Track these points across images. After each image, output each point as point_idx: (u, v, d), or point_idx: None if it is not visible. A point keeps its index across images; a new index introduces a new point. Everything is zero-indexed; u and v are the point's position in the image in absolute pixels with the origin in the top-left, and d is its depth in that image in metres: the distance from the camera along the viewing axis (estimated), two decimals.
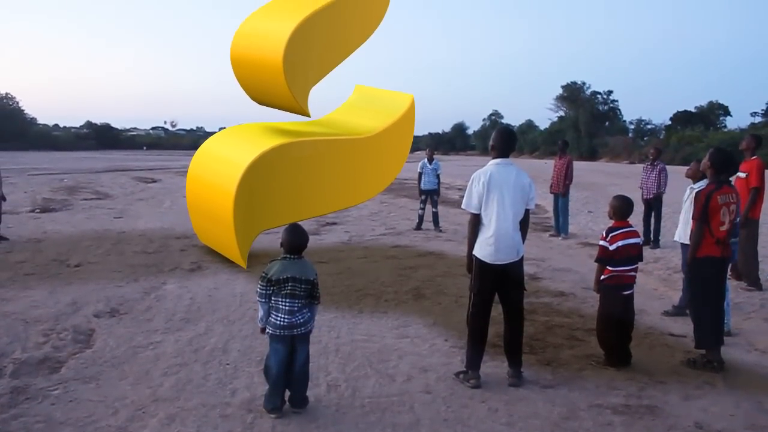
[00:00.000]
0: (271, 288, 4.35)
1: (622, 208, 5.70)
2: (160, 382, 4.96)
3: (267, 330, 4.42)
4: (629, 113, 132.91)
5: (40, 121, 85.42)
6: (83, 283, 8.15)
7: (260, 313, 4.45)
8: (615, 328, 5.52)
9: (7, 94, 72.08)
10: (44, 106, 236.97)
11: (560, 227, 13.39)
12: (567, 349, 5.93)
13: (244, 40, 10.31)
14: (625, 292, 5.58)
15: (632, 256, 5.55)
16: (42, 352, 5.60)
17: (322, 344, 5.89)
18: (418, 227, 13.74)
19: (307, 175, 9.91)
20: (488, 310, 5.14)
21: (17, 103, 72.89)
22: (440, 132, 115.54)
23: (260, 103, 10.93)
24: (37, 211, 15.84)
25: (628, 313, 5.62)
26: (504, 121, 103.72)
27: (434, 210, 13.89)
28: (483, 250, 5.05)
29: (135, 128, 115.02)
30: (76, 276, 8.61)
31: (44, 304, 7.15)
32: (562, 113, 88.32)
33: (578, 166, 16.67)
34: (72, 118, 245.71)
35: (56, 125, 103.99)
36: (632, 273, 5.60)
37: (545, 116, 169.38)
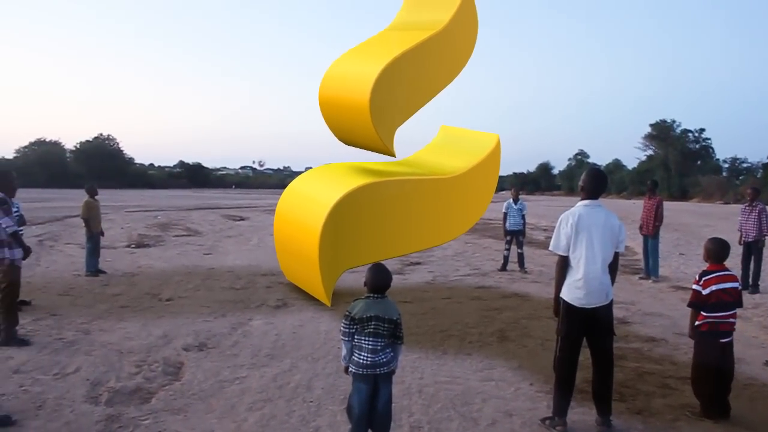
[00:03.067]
0: (355, 327, 4.34)
1: (717, 250, 5.45)
2: (245, 417, 5.04)
3: (350, 369, 4.41)
4: (723, 151, 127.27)
5: (137, 161, 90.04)
6: (174, 317, 8.42)
7: (343, 351, 4.44)
8: (712, 377, 5.24)
9: (108, 135, 76.50)
10: (141, 147, 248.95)
11: (650, 270, 12.94)
12: (659, 397, 5.68)
13: (332, 82, 10.57)
14: (723, 340, 5.30)
15: (728, 302, 5.28)
16: (134, 382, 5.80)
17: (406, 384, 5.85)
18: (503, 268, 13.58)
19: (392, 214, 9.99)
20: (576, 355, 5.00)
21: (117, 144, 77.23)
22: (525, 172, 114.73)
23: (347, 143, 11.12)
24: (133, 246, 16.59)
25: (727, 362, 5.33)
26: (590, 160, 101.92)
27: (519, 251, 13.70)
28: (571, 293, 4.93)
29: (224, 167, 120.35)
30: (167, 310, 8.92)
31: (137, 335, 7.43)
32: (650, 152, 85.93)
33: (668, 206, 16.17)
34: (166, 158, 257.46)
35: (151, 164, 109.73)
36: (730, 320, 5.32)
37: (633, 155, 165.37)
